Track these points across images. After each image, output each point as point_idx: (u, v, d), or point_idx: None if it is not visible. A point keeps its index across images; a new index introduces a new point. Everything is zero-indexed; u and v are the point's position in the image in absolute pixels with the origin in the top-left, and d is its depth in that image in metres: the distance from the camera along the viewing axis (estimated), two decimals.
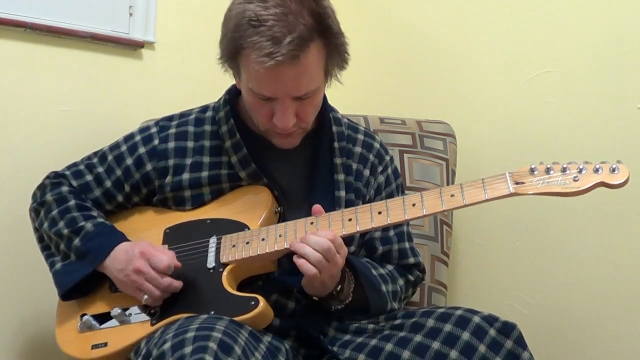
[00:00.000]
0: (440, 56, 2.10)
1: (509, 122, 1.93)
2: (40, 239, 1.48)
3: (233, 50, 1.27)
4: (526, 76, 1.89)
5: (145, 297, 1.30)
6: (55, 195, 1.45)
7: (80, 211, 1.42)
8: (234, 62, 1.30)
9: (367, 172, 1.47)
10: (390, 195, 1.49)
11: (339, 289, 1.31)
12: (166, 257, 1.31)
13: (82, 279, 1.37)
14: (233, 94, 1.46)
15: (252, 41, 1.22)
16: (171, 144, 1.44)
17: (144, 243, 1.36)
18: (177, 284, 1.31)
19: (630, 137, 1.70)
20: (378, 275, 1.40)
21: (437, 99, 2.10)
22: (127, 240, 1.39)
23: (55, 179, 1.49)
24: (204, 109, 1.50)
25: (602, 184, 1.13)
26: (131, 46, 1.92)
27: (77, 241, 1.39)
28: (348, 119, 1.54)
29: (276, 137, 1.37)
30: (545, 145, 1.85)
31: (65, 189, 1.46)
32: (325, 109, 1.46)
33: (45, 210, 1.45)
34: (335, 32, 1.29)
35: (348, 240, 1.41)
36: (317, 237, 1.23)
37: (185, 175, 1.42)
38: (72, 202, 1.44)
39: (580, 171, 1.15)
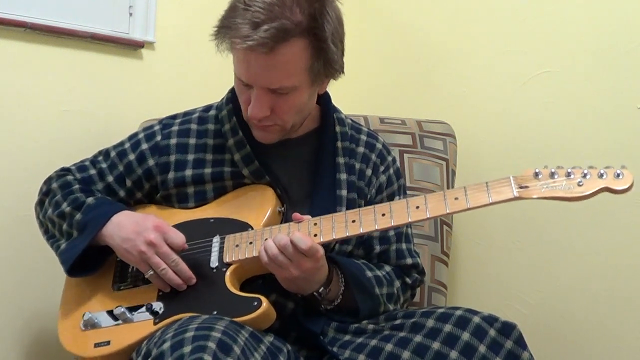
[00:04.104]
0: (440, 56, 2.10)
1: (509, 122, 1.93)
2: (46, 230, 1.49)
3: (221, 29, 1.29)
4: (526, 76, 1.89)
5: (150, 272, 1.31)
6: (60, 182, 1.47)
7: (83, 192, 1.44)
8: (222, 40, 1.30)
9: (369, 172, 1.48)
10: (391, 196, 1.50)
11: (325, 290, 1.32)
12: (182, 235, 1.33)
13: (87, 252, 1.36)
14: (235, 93, 1.46)
15: (235, 22, 1.24)
16: (173, 140, 1.46)
17: (156, 217, 1.36)
18: (185, 266, 1.31)
19: (630, 137, 1.70)
20: (373, 277, 1.40)
21: (437, 99, 2.10)
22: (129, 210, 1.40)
23: (61, 172, 1.52)
24: (207, 108, 1.52)
25: (606, 189, 1.13)
26: (131, 46, 1.92)
27: (78, 216, 1.39)
28: (352, 120, 1.55)
29: (254, 128, 1.38)
30: (545, 145, 1.85)
31: (70, 177, 1.49)
32: (329, 109, 1.47)
33: (50, 197, 1.47)
34: (326, 37, 1.27)
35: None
36: (281, 235, 1.25)
37: (188, 172, 1.43)
38: (76, 187, 1.46)
39: (584, 176, 1.14)
